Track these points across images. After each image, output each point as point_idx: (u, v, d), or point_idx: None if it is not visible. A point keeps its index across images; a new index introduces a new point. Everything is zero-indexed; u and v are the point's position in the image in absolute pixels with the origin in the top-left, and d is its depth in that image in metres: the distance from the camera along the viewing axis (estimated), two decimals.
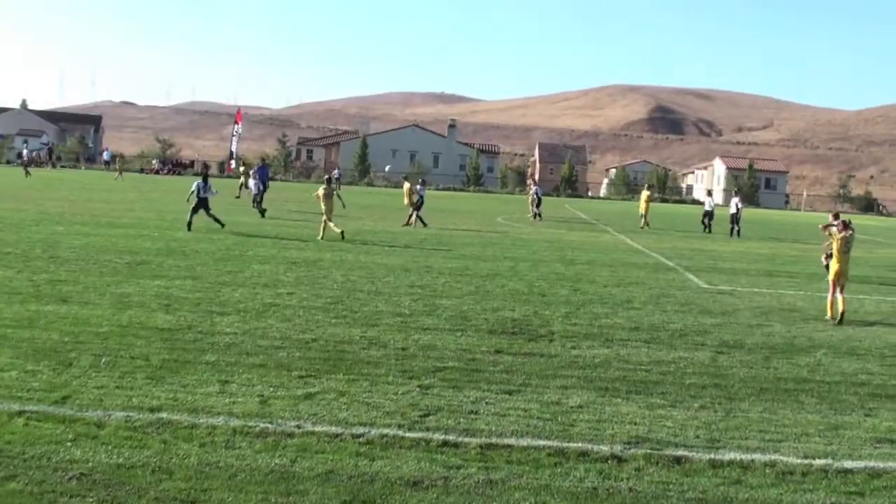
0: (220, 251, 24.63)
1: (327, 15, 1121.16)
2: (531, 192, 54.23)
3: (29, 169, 72.18)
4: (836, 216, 22.63)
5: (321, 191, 31.82)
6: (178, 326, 14.21)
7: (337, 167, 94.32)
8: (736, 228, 46.24)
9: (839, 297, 19.21)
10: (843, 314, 19.04)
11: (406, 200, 39.99)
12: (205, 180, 32.05)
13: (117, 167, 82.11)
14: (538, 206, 51.66)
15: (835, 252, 19.91)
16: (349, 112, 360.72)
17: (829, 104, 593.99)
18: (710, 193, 53.53)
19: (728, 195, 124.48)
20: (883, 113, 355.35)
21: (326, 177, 39.23)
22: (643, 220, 49.54)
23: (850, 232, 20.00)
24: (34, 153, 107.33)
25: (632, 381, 12.35)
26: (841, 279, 19.41)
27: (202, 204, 31.15)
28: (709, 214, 49.03)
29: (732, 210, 47.05)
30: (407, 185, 40.69)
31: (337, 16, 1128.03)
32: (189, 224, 29.98)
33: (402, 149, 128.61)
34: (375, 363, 12.44)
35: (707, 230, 47.56)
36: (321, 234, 30.43)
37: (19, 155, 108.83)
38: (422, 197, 39.78)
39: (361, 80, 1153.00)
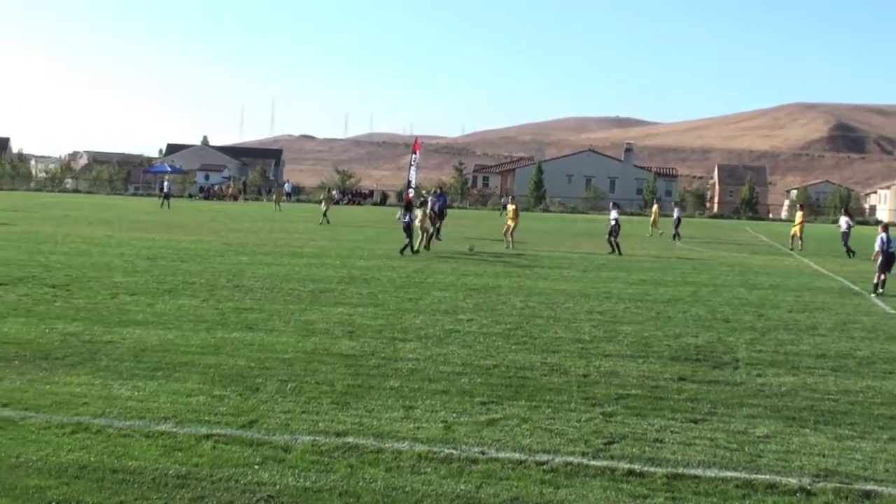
0: (401, 279, 25.01)
1: (499, 42, 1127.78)
2: (674, 214, 53.98)
3: (168, 201, 72.52)
4: None
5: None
6: (361, 352, 14.49)
7: (509, 193, 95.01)
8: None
9: None
10: None
11: (511, 223, 39.83)
12: (408, 209, 34.26)
13: (273, 199, 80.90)
14: (678, 226, 52.39)
15: None
16: (524, 139, 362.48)
17: None
18: (845, 212, 50.33)
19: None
20: None
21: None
22: (798, 240, 47.56)
23: None
24: (217, 186, 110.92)
25: (819, 411, 12.03)
26: None
27: (408, 230, 33.09)
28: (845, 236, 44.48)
29: (845, 228, 44.51)
30: (512, 206, 41.27)
31: (508, 42, 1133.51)
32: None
33: (577, 174, 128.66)
34: (557, 390, 12.46)
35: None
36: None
37: (201, 188, 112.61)
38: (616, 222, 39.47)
39: (535, 107, 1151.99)
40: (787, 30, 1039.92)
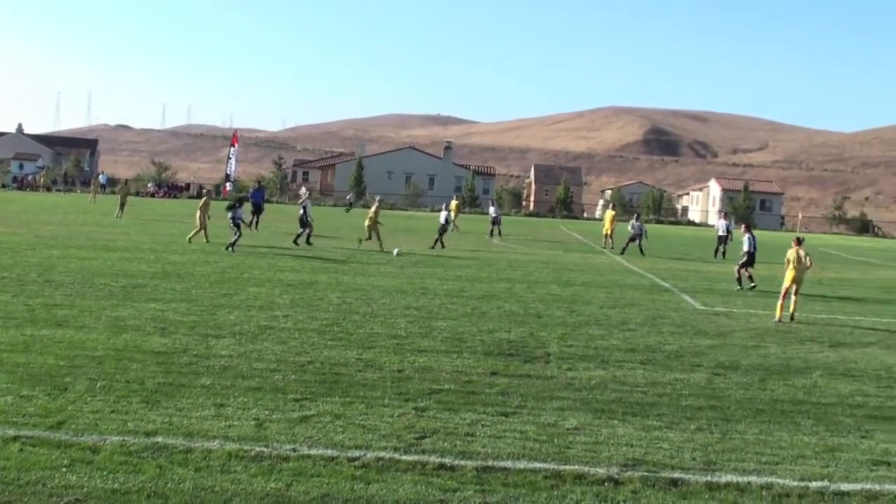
0: (216, 274, 24.60)
1: (322, 37, 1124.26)
2: (490, 212, 55.13)
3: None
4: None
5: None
6: (173, 350, 14.18)
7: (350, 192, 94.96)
8: (719, 248, 45.55)
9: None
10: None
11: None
12: (238, 206, 33.65)
13: (91, 190, 79.39)
14: (495, 223, 53.41)
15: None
16: (345, 134, 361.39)
17: (823, 126, 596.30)
18: (724, 216, 52.28)
19: (723, 218, 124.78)
20: (878, 135, 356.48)
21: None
22: (609, 240, 48.97)
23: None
24: (30, 176, 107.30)
25: (628, 403, 12.34)
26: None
27: (238, 226, 32.49)
28: (723, 240, 46.11)
29: (722, 232, 46.32)
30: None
31: (332, 38, 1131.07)
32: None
33: (397, 171, 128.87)
34: (371, 386, 12.42)
35: (720, 256, 44.88)
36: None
37: (15, 178, 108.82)
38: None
39: (357, 103, 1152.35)
40: (605, 35, 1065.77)
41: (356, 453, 9.39)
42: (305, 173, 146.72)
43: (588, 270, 33.02)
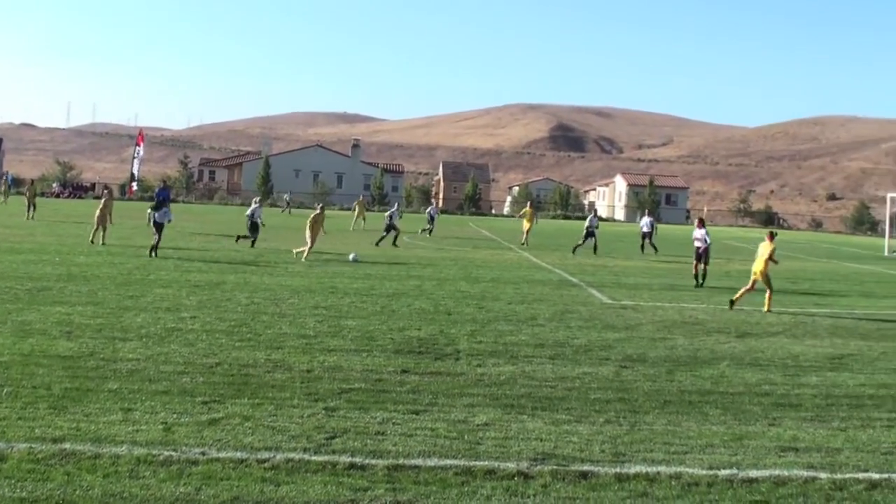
0: (122, 275, 24.25)
1: (227, 33, 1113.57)
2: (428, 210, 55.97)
3: None
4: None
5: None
6: (79, 353, 13.94)
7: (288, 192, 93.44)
8: (644, 243, 46.51)
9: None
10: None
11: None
12: (162, 205, 31.80)
13: (1, 191, 77.97)
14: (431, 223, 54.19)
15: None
16: (252, 133, 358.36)
17: (728, 121, 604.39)
18: (648, 213, 52.93)
19: (630, 212, 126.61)
20: (782, 129, 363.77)
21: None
22: (526, 235, 50.05)
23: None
24: None
25: (537, 398, 12.42)
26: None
27: (159, 228, 30.80)
28: (647, 235, 47.33)
29: (646, 229, 47.13)
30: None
31: (237, 34, 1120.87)
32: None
33: (305, 169, 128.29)
34: (280, 386, 12.34)
35: (643, 250, 46.58)
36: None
37: None
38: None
39: (264, 100, 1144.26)
40: (511, 32, 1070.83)
41: (265, 455, 9.31)
42: (212, 172, 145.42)
43: (497, 267, 33.19)
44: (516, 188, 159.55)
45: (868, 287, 33.69)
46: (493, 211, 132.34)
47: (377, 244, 40.91)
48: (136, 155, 63.09)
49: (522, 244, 48.45)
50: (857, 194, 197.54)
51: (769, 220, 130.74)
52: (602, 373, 14.44)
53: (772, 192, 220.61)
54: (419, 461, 9.36)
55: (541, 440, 10.36)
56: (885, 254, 59.82)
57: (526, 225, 50.61)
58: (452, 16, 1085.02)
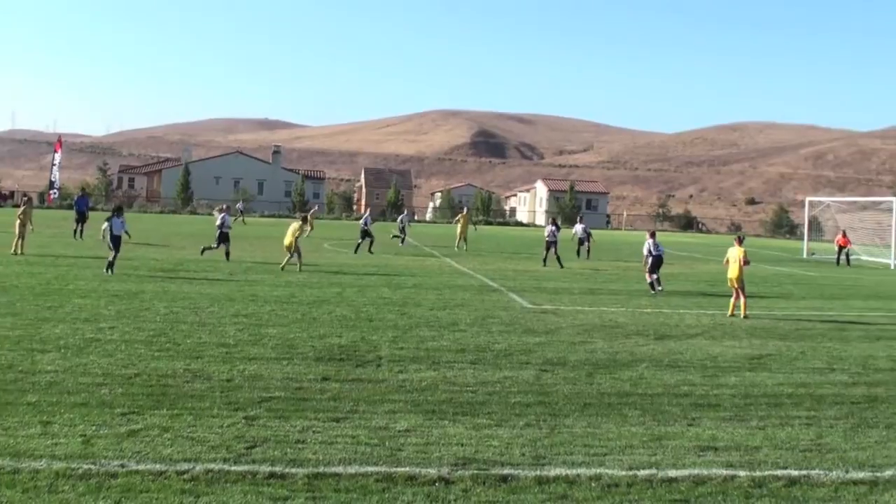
0: (40, 286, 23.86)
1: (147, 39, 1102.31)
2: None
3: None
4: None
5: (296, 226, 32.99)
6: None
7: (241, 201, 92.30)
8: (580, 249, 47.00)
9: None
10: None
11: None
12: (117, 215, 29.67)
13: None
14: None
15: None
16: (171, 139, 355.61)
17: (647, 127, 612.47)
18: (581, 220, 53.35)
19: (550, 217, 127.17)
20: (700, 135, 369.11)
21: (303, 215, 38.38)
22: (462, 242, 51.20)
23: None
24: None
25: (458, 403, 12.44)
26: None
27: (116, 242, 28.80)
28: (582, 241, 47.99)
29: (582, 235, 47.64)
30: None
31: (157, 40, 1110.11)
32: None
33: (225, 176, 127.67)
34: (200, 396, 12.22)
35: (579, 255, 47.00)
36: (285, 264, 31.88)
37: None
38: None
39: (184, 106, 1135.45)
40: (431, 38, 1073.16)
41: (185, 466, 9.21)
42: (131, 180, 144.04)
43: (418, 273, 33.20)
44: (438, 194, 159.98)
45: (786, 289, 34.27)
46: (416, 217, 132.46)
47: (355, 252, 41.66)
48: (54, 162, 62.26)
49: (457, 249, 49.59)
50: (776, 198, 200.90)
51: (688, 224, 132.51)
52: (522, 377, 14.51)
53: (691, 196, 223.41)
54: (340, 469, 9.33)
55: (461, 445, 10.38)
56: (804, 256, 60.82)
57: (460, 230, 51.71)
58: (374, 22, 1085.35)
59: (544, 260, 40.15)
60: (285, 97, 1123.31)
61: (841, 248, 54.99)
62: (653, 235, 31.45)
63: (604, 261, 44.53)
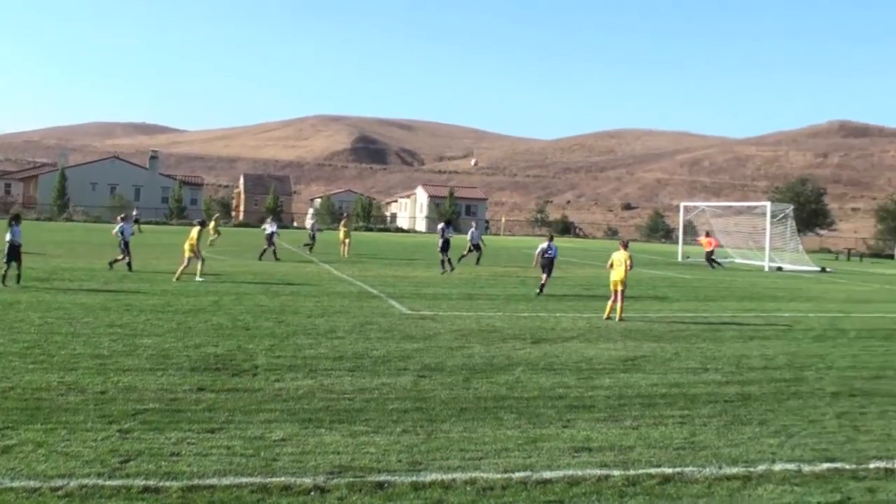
0: None
1: (19, 41, 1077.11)
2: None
3: None
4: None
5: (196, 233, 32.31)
6: None
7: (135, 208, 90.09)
8: (478, 255, 47.26)
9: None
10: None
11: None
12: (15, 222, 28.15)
13: None
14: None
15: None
16: (47, 144, 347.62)
17: (526, 134, 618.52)
18: (477, 226, 53.74)
19: (431, 223, 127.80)
20: (578, 142, 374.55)
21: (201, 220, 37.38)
22: (345, 248, 51.47)
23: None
24: None
25: (335, 411, 12.48)
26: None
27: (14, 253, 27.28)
28: (476, 247, 48.08)
29: (475, 241, 47.85)
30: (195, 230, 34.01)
31: (33, 43, 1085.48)
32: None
33: (102, 182, 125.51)
34: (74, 410, 12.03)
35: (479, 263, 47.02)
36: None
37: None
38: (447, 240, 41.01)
39: (59, 111, 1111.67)
40: (309, 42, 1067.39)
41: (59, 482, 9.08)
42: (7, 185, 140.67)
43: (297, 280, 33.07)
44: (318, 200, 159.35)
45: (661, 291, 34.95)
46: (295, 223, 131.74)
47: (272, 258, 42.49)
48: None
49: (341, 256, 49.98)
50: (652, 203, 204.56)
51: (566, 229, 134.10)
52: (400, 383, 14.60)
53: (568, 202, 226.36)
54: (214, 480, 9.30)
55: (338, 453, 10.42)
56: (679, 259, 62.06)
57: (342, 236, 52.12)
58: (251, 26, 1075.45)
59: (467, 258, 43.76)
60: (164, 101, 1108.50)
61: (708, 250, 56.56)
62: (551, 239, 32.35)
63: (482, 266, 44.85)
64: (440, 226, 43.84)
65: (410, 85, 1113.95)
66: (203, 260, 32.45)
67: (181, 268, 31.66)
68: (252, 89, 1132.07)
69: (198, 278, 30.98)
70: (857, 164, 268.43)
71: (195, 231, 32.69)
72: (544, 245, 31.57)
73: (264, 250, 44.62)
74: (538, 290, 30.52)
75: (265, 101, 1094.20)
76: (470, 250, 47.21)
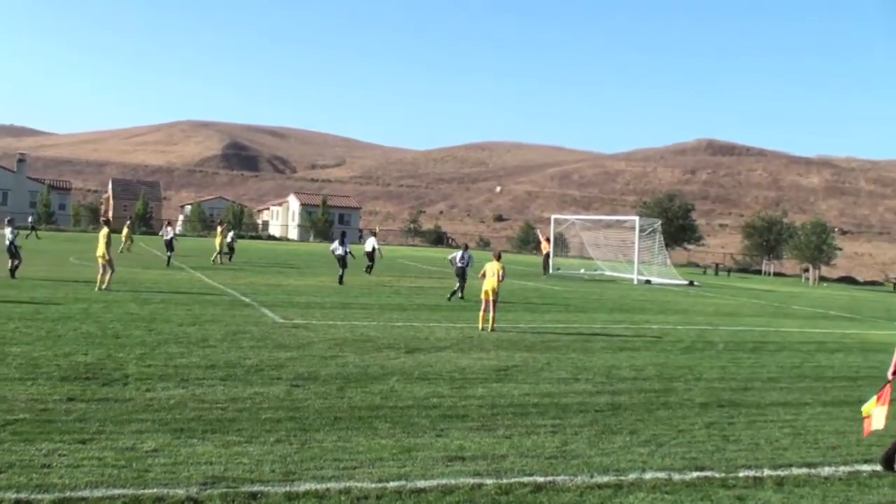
0: None
1: None
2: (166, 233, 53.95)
3: None
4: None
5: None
6: None
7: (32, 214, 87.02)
8: (372, 266, 47.35)
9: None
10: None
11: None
12: None
13: None
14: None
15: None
16: None
17: (398, 144, 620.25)
18: (374, 234, 53.52)
19: (302, 231, 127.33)
20: (450, 153, 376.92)
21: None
22: (220, 256, 51.83)
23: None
24: None
25: (208, 421, 12.38)
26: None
27: None
28: (370, 256, 48.08)
29: (369, 249, 47.64)
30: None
31: None
32: None
33: None
34: None
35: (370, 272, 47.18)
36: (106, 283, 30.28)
37: None
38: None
39: None
40: (181, 47, 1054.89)
41: None
42: None
43: (168, 288, 32.66)
44: (189, 207, 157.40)
45: (532, 302, 35.36)
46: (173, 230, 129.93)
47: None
48: None
49: (213, 262, 50.55)
50: (524, 215, 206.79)
51: (439, 239, 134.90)
52: (273, 392, 14.55)
53: (441, 212, 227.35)
54: (86, 493, 9.15)
55: (211, 463, 10.35)
56: (550, 271, 62.91)
57: (218, 244, 52.80)
58: (122, 29, 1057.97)
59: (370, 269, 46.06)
60: (31, 103, 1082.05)
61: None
62: (465, 248, 34.55)
63: (355, 275, 44.85)
64: (334, 245, 42.75)
65: (281, 92, 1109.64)
66: (113, 271, 31.44)
67: (100, 276, 30.91)
68: (122, 93, 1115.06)
69: (102, 286, 30.32)
70: (724, 182, 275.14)
71: (104, 234, 31.70)
72: (458, 254, 33.58)
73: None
74: (449, 296, 32.56)
75: (135, 104, 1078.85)
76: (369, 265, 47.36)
